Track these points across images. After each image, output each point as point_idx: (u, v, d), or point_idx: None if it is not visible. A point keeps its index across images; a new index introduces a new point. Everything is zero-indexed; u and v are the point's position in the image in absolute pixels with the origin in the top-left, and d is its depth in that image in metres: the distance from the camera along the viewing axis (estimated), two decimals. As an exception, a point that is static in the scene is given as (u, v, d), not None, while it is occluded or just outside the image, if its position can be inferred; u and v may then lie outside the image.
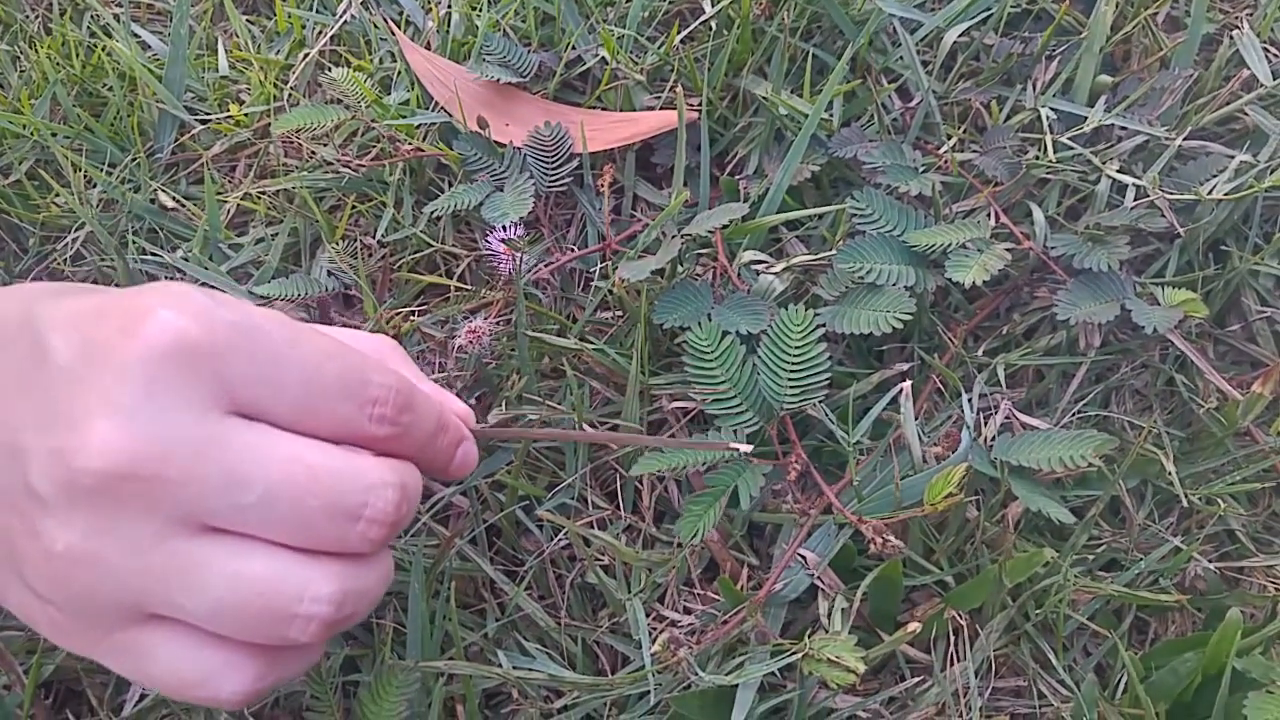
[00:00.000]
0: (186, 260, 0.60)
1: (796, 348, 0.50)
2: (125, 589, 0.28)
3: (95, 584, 0.28)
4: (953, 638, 0.49)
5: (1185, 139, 0.59)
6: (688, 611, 0.50)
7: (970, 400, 0.53)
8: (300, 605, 0.29)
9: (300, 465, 0.29)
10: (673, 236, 0.56)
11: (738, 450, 0.43)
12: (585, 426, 0.53)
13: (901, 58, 0.63)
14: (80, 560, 0.27)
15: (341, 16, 0.69)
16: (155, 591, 0.28)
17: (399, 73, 0.66)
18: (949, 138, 0.61)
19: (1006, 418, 0.53)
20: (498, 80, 0.62)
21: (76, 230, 0.61)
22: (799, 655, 0.45)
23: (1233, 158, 0.57)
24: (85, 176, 0.63)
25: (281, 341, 0.29)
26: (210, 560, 0.28)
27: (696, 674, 0.45)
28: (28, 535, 0.28)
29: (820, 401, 0.53)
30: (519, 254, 0.56)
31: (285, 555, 0.29)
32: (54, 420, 0.27)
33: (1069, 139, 0.59)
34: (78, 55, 0.69)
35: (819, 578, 0.49)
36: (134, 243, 0.61)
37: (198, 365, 0.28)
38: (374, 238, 0.61)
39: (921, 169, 0.59)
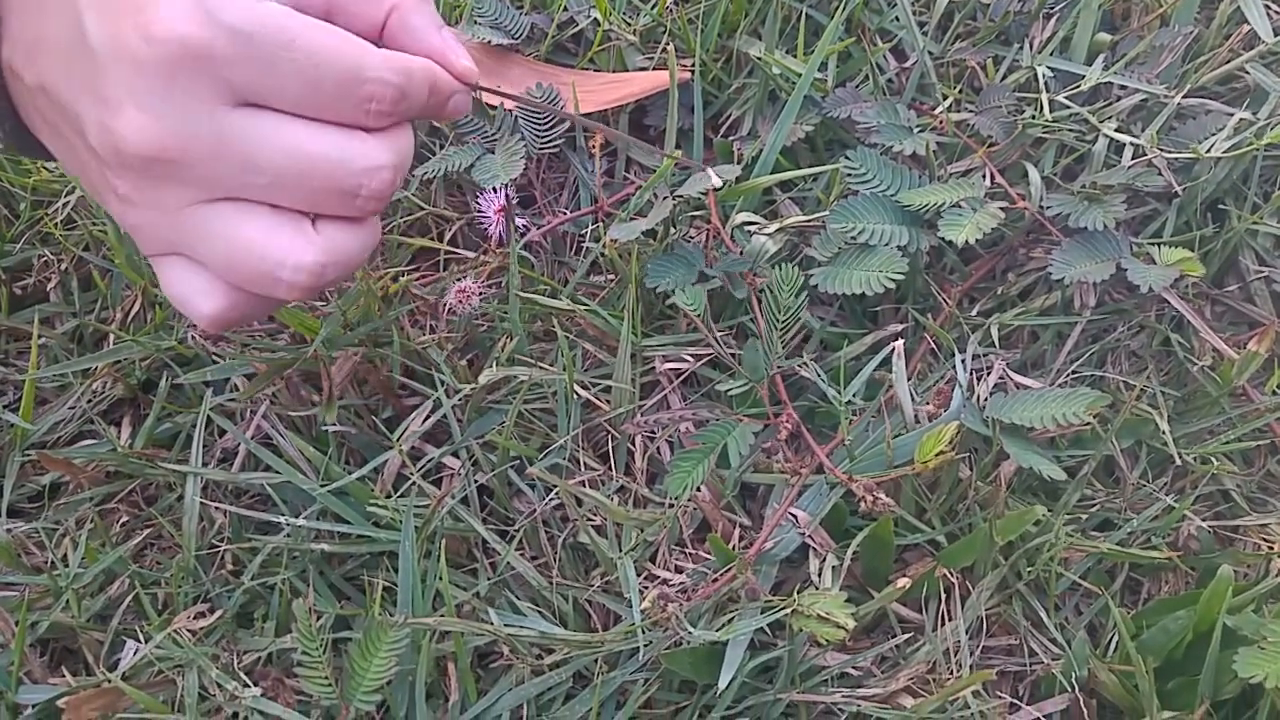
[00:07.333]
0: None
1: (787, 308, 0.50)
2: (162, 241, 0.34)
3: (146, 233, 0.34)
4: (944, 596, 0.49)
5: (1184, 97, 0.58)
6: (679, 570, 0.50)
7: (964, 360, 0.53)
8: (284, 270, 0.33)
9: (302, 154, 0.33)
10: (664, 198, 0.56)
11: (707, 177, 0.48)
12: (577, 390, 0.53)
13: (897, 17, 0.62)
14: (133, 208, 0.33)
15: (333, -20, 0.68)
16: (181, 242, 0.34)
17: (391, 36, 0.66)
18: (944, 98, 0.60)
19: (1000, 378, 0.53)
20: (489, 42, 0.62)
21: (67, 195, 0.61)
22: (789, 611, 0.45)
23: (1232, 115, 0.56)
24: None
25: (278, 46, 0.32)
26: (223, 224, 0.33)
27: (687, 630, 0.45)
28: (99, 179, 0.34)
29: (812, 361, 0.52)
30: (511, 216, 0.56)
31: (283, 216, 0.34)
32: (96, 96, 0.32)
33: (1066, 98, 0.58)
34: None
35: (810, 536, 0.49)
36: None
37: (201, 68, 0.31)
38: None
39: (916, 129, 0.58)
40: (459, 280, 0.55)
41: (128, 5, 0.31)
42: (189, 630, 0.48)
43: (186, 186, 0.33)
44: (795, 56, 0.61)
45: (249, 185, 0.33)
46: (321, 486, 0.51)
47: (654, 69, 0.62)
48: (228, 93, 0.32)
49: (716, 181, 0.50)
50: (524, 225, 0.58)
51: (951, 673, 0.48)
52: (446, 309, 0.54)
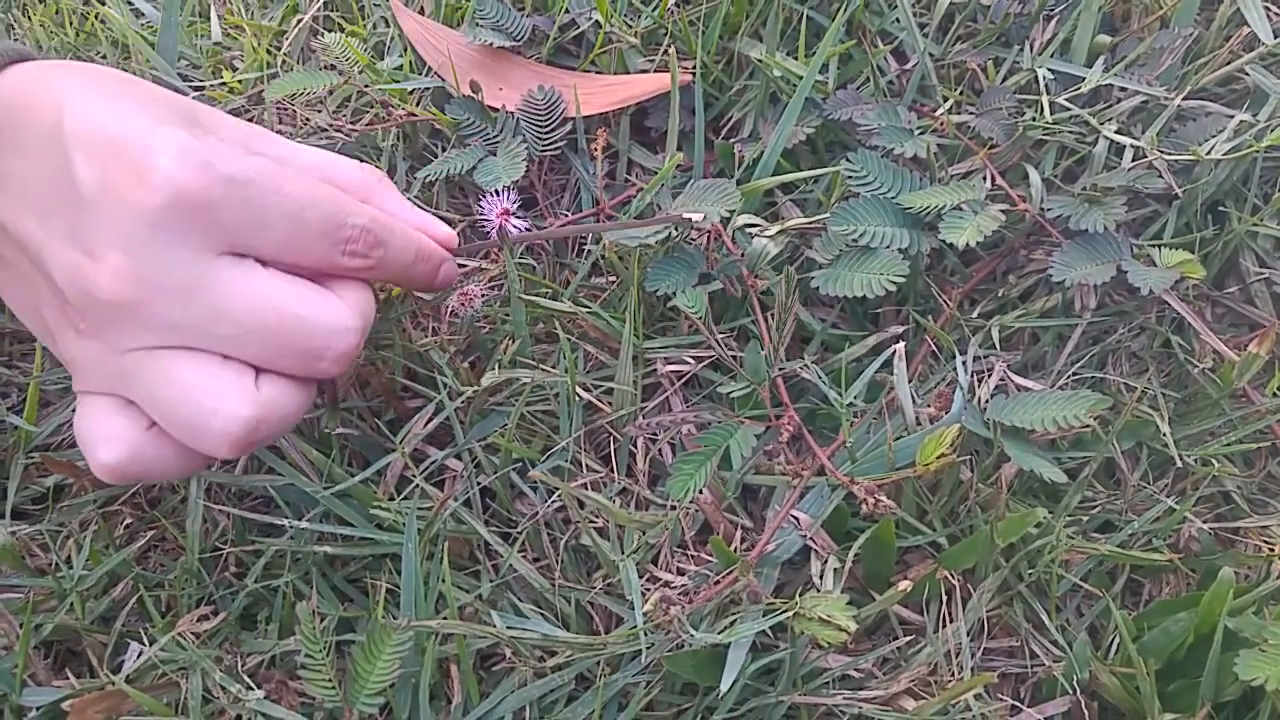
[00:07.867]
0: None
1: (786, 309, 0.50)
2: (104, 377, 0.34)
3: (89, 369, 0.34)
4: (945, 598, 0.49)
5: (1185, 99, 0.58)
6: (681, 573, 0.50)
7: (964, 362, 0.53)
8: (216, 419, 0.33)
9: (272, 310, 0.33)
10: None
11: (689, 221, 0.49)
12: (579, 392, 0.53)
13: (897, 19, 0.62)
14: (87, 343, 0.34)
15: (334, -18, 0.69)
16: (120, 380, 0.34)
17: (392, 38, 0.66)
18: (945, 100, 0.60)
19: (1001, 380, 0.53)
20: (491, 44, 0.62)
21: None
22: (790, 614, 0.45)
23: (1232, 117, 0.56)
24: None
25: (270, 192, 0.33)
26: (167, 367, 0.34)
27: (689, 633, 0.45)
28: (56, 315, 0.34)
29: (814, 363, 0.52)
30: (512, 218, 0.56)
31: (228, 366, 0.34)
32: (74, 239, 0.32)
33: (1066, 100, 0.58)
34: (71, 23, 0.69)
35: (811, 539, 0.49)
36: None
37: (194, 216, 0.32)
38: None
39: (917, 131, 0.58)
40: (461, 283, 0.55)
41: (122, 151, 0.31)
42: (193, 632, 0.48)
43: (148, 330, 0.33)
44: (796, 58, 0.61)
45: (213, 336, 0.33)
46: (324, 489, 0.51)
47: (655, 71, 0.62)
48: (215, 240, 0.32)
49: (698, 218, 0.51)
50: (526, 227, 0.58)
51: (953, 675, 0.48)
52: (449, 311, 0.54)
